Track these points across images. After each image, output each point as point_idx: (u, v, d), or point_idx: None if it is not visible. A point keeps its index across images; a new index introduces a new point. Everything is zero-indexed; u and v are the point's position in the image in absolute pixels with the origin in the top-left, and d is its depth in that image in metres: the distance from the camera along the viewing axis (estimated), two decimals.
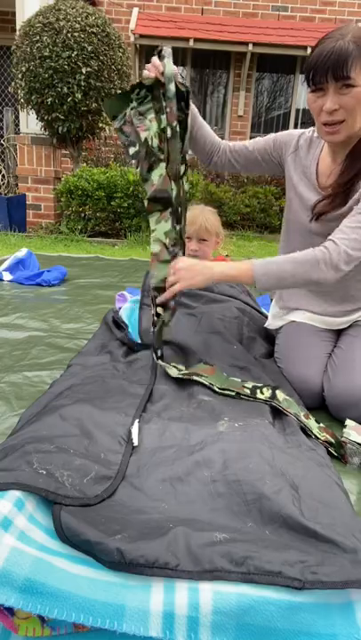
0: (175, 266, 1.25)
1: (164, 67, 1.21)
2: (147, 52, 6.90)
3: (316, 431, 1.11)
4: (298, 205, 1.39)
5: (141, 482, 0.85)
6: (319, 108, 1.17)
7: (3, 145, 5.70)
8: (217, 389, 1.18)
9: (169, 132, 1.21)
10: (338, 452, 1.08)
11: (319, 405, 1.31)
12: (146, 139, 1.26)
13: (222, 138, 7.10)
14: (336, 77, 1.10)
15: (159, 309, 1.32)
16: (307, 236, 1.37)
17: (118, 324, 1.66)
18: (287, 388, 1.30)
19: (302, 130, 1.41)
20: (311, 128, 1.39)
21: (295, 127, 7.35)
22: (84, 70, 4.33)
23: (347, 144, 1.24)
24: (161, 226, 1.29)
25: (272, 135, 1.45)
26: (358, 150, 1.22)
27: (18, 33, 4.60)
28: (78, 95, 4.36)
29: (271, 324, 1.59)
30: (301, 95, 7.23)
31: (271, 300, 2.25)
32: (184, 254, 1.36)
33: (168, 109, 1.21)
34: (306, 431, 1.09)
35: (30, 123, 5.09)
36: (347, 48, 1.08)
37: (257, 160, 1.45)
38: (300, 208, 1.38)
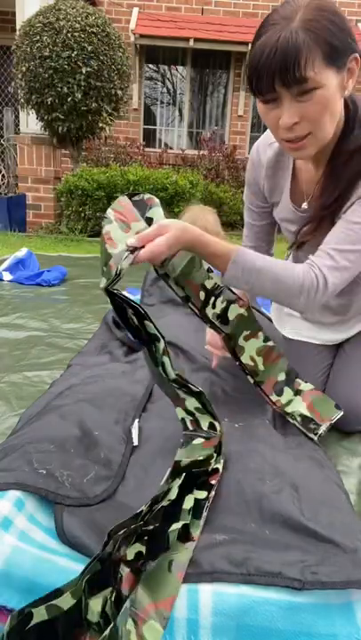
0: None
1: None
2: (147, 52, 6.91)
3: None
4: (283, 226, 1.18)
5: (141, 482, 0.85)
6: (275, 121, 0.88)
7: (3, 145, 5.70)
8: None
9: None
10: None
11: None
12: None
13: (222, 138, 7.14)
14: (287, 83, 0.80)
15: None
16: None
17: (118, 324, 1.66)
18: None
19: (264, 140, 1.12)
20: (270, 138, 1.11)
21: None
22: (83, 70, 4.33)
23: (325, 150, 0.97)
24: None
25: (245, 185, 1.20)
26: (338, 163, 0.96)
27: (18, 33, 4.60)
28: (78, 95, 4.36)
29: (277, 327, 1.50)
30: None
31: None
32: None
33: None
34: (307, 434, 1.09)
35: (30, 123, 5.08)
36: (295, 40, 0.77)
37: (268, 223, 1.22)
38: (286, 229, 1.18)
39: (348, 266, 0.95)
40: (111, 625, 0.55)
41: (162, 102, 7.35)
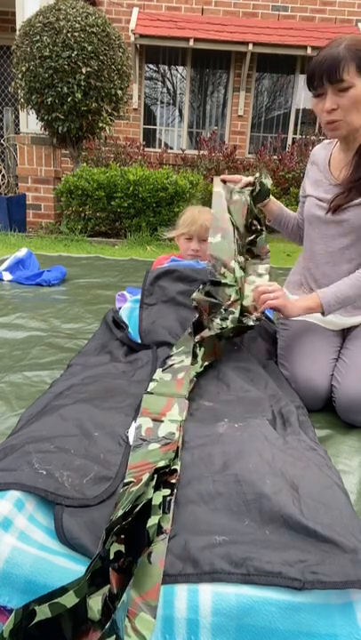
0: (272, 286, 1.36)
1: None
2: (147, 52, 6.90)
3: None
4: (311, 203, 1.49)
5: None
6: (321, 110, 1.29)
7: (3, 145, 5.70)
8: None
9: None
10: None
11: (321, 408, 1.31)
12: None
13: (222, 137, 7.13)
14: (331, 81, 1.23)
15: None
16: (321, 226, 1.46)
17: (118, 324, 1.66)
18: (288, 389, 1.30)
19: (320, 145, 1.55)
20: (326, 141, 1.54)
21: (295, 127, 7.35)
22: (84, 70, 4.33)
23: (354, 139, 1.33)
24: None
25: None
26: None
27: (18, 33, 4.60)
28: (78, 95, 4.36)
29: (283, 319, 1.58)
30: (301, 95, 7.22)
31: None
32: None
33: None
34: (306, 431, 1.09)
35: (30, 123, 5.09)
36: (338, 53, 1.21)
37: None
38: (314, 205, 1.48)
39: None
40: (110, 621, 0.55)
41: (162, 102, 7.35)
